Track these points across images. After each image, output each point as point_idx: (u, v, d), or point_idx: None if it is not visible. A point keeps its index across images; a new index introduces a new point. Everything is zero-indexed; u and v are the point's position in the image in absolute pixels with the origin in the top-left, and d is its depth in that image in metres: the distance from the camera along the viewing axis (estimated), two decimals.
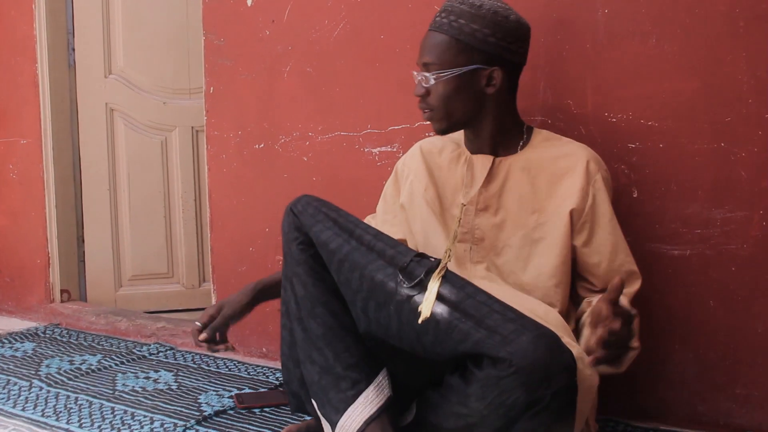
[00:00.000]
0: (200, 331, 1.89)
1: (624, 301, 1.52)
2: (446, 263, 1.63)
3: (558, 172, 1.76)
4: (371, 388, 1.61)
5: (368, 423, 1.58)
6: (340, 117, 2.49)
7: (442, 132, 1.81)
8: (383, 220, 2.01)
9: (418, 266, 1.55)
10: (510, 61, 1.74)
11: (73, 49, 3.39)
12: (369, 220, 2.04)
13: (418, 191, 1.90)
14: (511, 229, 1.78)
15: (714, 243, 1.95)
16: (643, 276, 1.98)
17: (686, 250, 1.98)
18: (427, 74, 1.73)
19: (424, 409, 1.62)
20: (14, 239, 3.43)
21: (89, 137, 3.43)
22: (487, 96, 1.75)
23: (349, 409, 1.59)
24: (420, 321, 1.48)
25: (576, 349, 1.51)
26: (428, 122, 1.80)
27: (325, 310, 1.66)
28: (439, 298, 1.50)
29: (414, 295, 1.52)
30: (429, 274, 1.53)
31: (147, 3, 3.47)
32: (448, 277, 1.53)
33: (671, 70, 1.98)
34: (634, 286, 1.76)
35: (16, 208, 3.41)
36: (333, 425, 1.61)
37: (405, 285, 1.53)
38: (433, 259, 1.58)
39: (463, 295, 1.49)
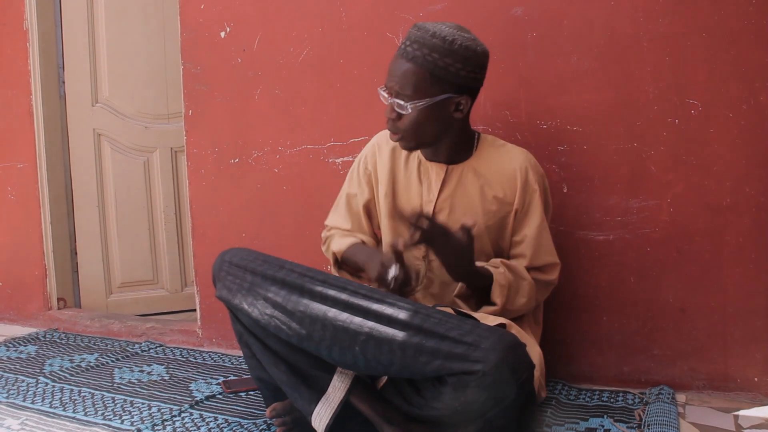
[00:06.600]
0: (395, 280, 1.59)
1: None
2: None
3: (502, 178, 1.77)
4: (335, 377, 1.59)
5: (343, 404, 1.56)
6: (306, 132, 2.48)
7: (409, 150, 1.77)
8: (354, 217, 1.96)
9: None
10: (476, 88, 1.71)
11: (63, 82, 3.32)
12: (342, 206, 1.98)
13: (380, 194, 1.89)
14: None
15: (631, 228, 2.01)
16: (573, 259, 2.04)
17: (609, 235, 2.03)
18: (401, 102, 1.65)
19: (398, 391, 1.57)
20: (14, 254, 3.33)
21: (79, 160, 3.36)
22: (453, 119, 1.71)
23: (321, 400, 1.58)
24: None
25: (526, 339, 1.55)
26: (397, 142, 1.75)
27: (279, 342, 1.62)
28: (401, 324, 1.44)
29: (374, 330, 1.46)
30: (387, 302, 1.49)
31: (129, 38, 3.41)
32: (405, 303, 1.48)
33: (590, 84, 2.03)
34: (551, 275, 1.81)
35: (15, 226, 3.32)
36: (309, 415, 1.59)
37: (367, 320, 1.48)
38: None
39: (421, 317, 1.44)
